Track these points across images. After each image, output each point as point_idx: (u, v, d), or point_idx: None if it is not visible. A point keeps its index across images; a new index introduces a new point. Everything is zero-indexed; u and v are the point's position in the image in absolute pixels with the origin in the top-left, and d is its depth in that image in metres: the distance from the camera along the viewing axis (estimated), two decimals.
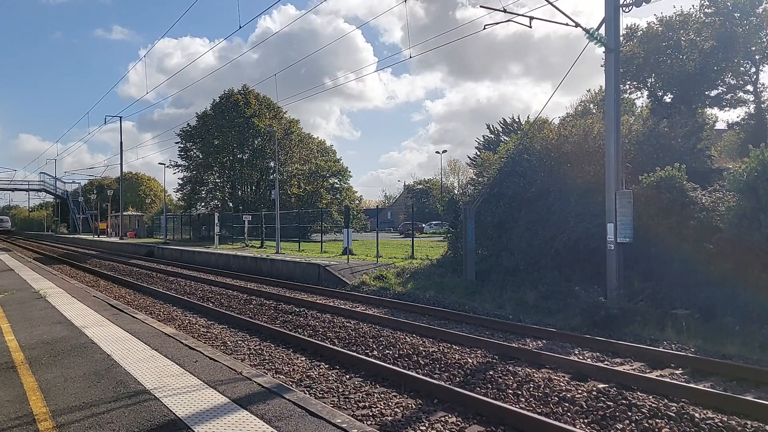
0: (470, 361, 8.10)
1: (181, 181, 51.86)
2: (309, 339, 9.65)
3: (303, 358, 8.52)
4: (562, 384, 6.93)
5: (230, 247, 32.40)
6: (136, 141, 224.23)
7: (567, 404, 6.29)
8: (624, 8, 12.34)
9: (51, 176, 78.00)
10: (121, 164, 51.75)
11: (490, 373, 7.47)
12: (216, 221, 34.18)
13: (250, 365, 8.02)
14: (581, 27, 12.20)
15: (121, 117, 55.39)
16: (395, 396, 6.66)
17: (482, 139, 58.54)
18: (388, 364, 8.02)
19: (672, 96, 23.51)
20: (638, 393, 6.56)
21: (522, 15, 12.39)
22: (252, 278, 20.40)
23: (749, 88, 23.97)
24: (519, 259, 15.21)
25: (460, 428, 5.68)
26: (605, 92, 12.64)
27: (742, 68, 23.16)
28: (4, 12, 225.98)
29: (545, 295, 12.68)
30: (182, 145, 50.65)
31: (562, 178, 15.22)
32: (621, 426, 5.69)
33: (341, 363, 8.11)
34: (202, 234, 43.11)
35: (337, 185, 52.22)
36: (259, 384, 5.80)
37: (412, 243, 23.36)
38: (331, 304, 13.85)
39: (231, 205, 48.68)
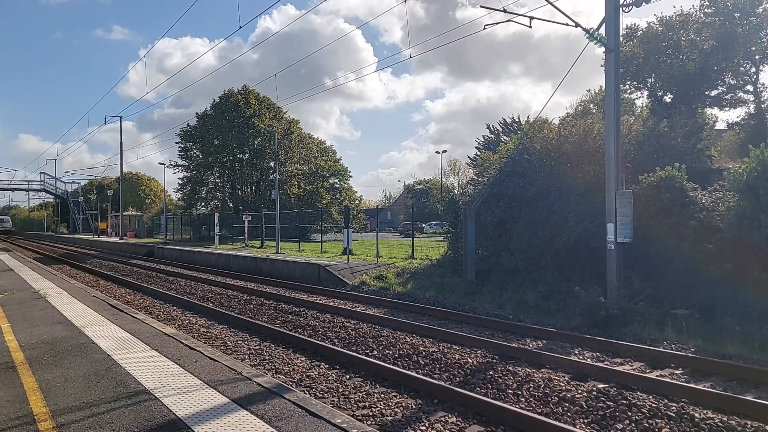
0: (470, 361, 8.10)
1: (181, 181, 51.94)
2: (309, 339, 9.65)
3: (303, 358, 8.52)
4: (562, 384, 6.93)
5: (230, 247, 32.41)
6: (136, 141, 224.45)
7: (567, 404, 6.29)
8: (624, 8, 12.35)
9: (51, 176, 78.11)
10: (121, 164, 51.83)
11: (490, 373, 7.47)
12: (216, 221, 34.18)
13: (250, 365, 8.02)
14: (581, 27, 12.20)
15: (121, 117, 55.50)
16: (395, 396, 6.66)
17: (482, 139, 58.58)
18: (388, 364, 8.02)
19: (672, 96, 23.51)
20: (638, 393, 6.56)
21: (522, 15, 12.40)
22: (252, 278, 20.40)
23: (749, 88, 23.98)
24: (519, 259, 15.21)
25: (460, 428, 5.68)
26: (605, 92, 12.64)
27: (742, 68, 23.17)
28: (4, 12, 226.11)
29: (545, 295, 12.68)
30: (182, 145, 50.69)
31: (562, 178, 15.23)
32: (621, 426, 5.69)
33: (341, 363, 8.11)
34: (202, 234, 43.11)
35: (337, 185, 52.23)
36: (259, 384, 5.80)
37: (412, 243, 23.36)
38: (331, 304, 13.85)
39: (231, 205, 48.69)
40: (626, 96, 23.31)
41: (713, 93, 23.84)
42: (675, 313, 10.27)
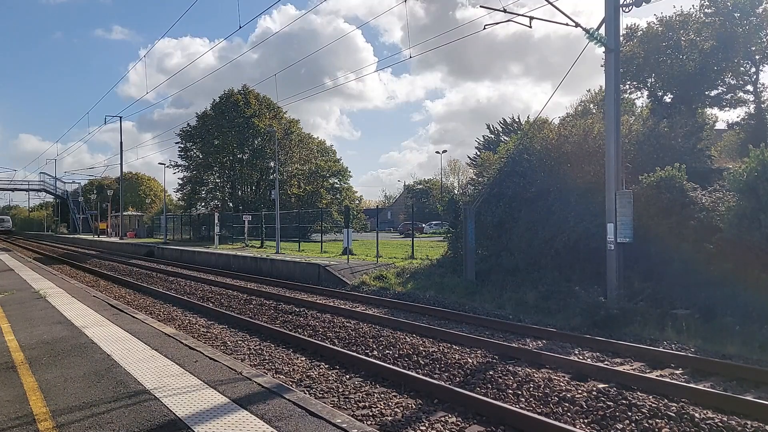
0: (470, 361, 8.10)
1: (181, 181, 51.95)
2: (309, 339, 9.65)
3: (303, 358, 8.52)
4: (562, 384, 6.93)
5: (230, 247, 32.41)
6: (136, 141, 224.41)
7: (567, 404, 6.29)
8: (624, 8, 12.35)
9: (51, 176, 78.11)
10: (121, 164, 51.84)
11: (490, 373, 7.47)
12: (216, 221, 34.18)
13: (250, 365, 8.02)
14: (581, 27, 12.20)
15: (121, 117, 55.51)
16: (395, 396, 6.66)
17: (482, 139, 58.56)
18: (388, 364, 8.02)
19: (672, 96, 23.51)
20: (638, 393, 6.56)
21: (522, 15, 12.40)
22: (252, 278, 20.40)
23: (749, 88, 23.98)
24: (519, 259, 15.21)
25: (460, 428, 5.68)
26: (605, 92, 12.64)
27: (742, 68, 23.16)
28: (4, 12, 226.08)
29: (545, 295, 12.68)
30: (182, 145, 50.70)
31: (562, 178, 15.23)
32: (621, 426, 5.69)
33: (341, 363, 8.11)
34: (202, 234, 43.11)
35: (337, 185, 52.23)
36: (259, 384, 5.80)
37: (412, 243, 23.36)
38: (331, 304, 13.85)
39: (231, 205, 48.70)
40: (626, 96, 23.31)
41: (713, 93, 23.85)
42: (675, 313, 10.27)
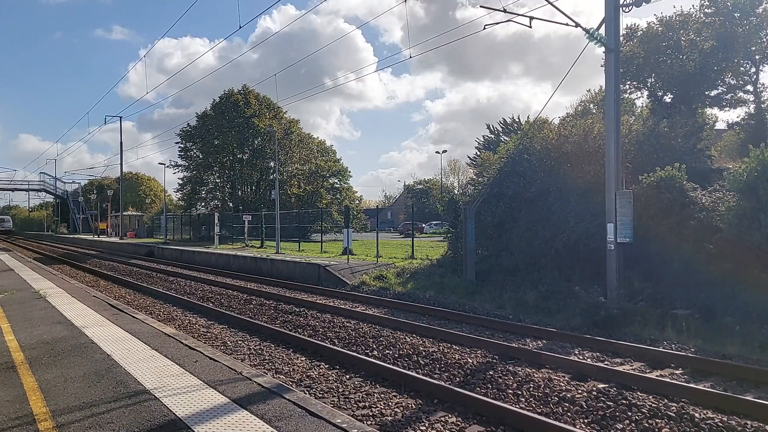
0: (470, 361, 8.10)
1: (181, 181, 51.96)
2: (309, 339, 9.65)
3: (303, 358, 8.52)
4: (562, 384, 6.94)
5: (230, 247, 32.41)
6: (136, 141, 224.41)
7: (567, 404, 6.29)
8: (624, 8, 12.35)
9: (51, 176, 78.10)
10: (121, 164, 51.82)
11: (490, 373, 7.47)
12: (216, 221, 34.18)
13: (250, 365, 8.02)
14: (581, 27, 12.21)
15: (121, 117, 55.48)
16: (395, 396, 6.66)
17: (482, 139, 58.56)
18: (388, 364, 8.02)
19: (672, 96, 23.51)
20: (638, 393, 6.56)
21: (522, 15, 12.40)
22: (252, 278, 20.40)
23: (749, 88, 23.98)
24: (519, 259, 15.21)
25: (460, 428, 5.68)
26: (605, 92, 12.64)
27: (742, 68, 23.16)
28: (4, 12, 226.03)
29: (545, 295, 12.68)
30: (182, 145, 50.71)
31: (562, 178, 15.23)
32: (621, 426, 5.69)
33: (341, 363, 8.11)
34: (202, 234, 43.11)
35: (337, 185, 52.24)
36: (259, 384, 5.80)
37: (412, 243, 23.36)
38: (331, 304, 13.85)
39: (231, 205, 48.70)
40: (626, 96, 23.31)
41: (713, 93, 23.84)
42: (675, 313, 10.27)
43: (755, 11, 21.26)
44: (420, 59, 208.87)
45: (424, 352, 8.64)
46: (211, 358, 6.91)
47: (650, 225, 12.34)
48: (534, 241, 14.82)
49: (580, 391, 6.65)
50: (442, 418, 5.90)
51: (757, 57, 22.64)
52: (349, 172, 53.06)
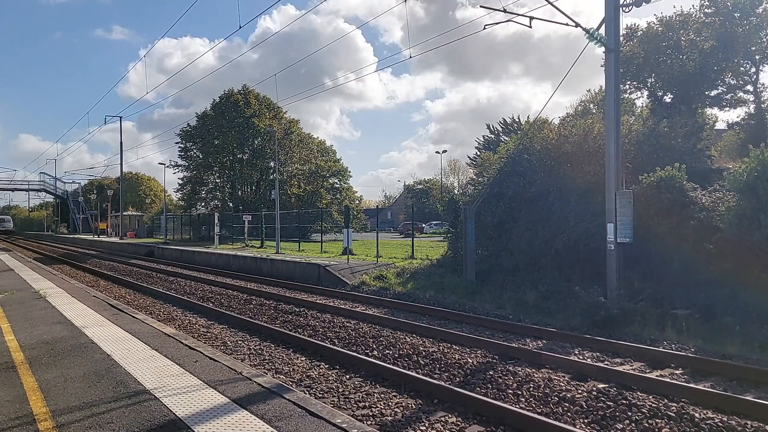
0: (470, 361, 8.10)
1: (181, 181, 51.96)
2: (309, 339, 9.65)
3: (303, 358, 8.52)
4: (562, 384, 6.93)
5: (230, 247, 32.41)
6: (136, 141, 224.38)
7: (567, 404, 6.29)
8: (624, 8, 12.35)
9: (51, 176, 78.10)
10: (121, 164, 51.83)
11: (490, 373, 7.47)
12: (216, 221, 34.18)
13: (250, 365, 8.02)
14: (581, 27, 12.21)
15: (121, 117, 55.50)
16: (395, 396, 6.66)
17: (482, 139, 58.58)
18: (388, 364, 8.02)
19: (672, 96, 23.52)
20: (638, 393, 6.56)
21: (522, 15, 12.40)
22: (252, 278, 20.40)
23: (749, 88, 23.99)
24: (519, 259, 15.21)
25: (460, 428, 5.68)
26: (605, 92, 12.64)
27: (742, 68, 23.17)
28: (4, 12, 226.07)
29: (545, 295, 12.68)
30: (182, 145, 50.71)
31: (562, 178, 15.23)
32: (621, 426, 5.69)
33: (341, 363, 8.11)
34: (202, 234, 43.10)
35: (337, 185, 52.25)
36: (259, 384, 5.80)
37: (412, 243, 23.36)
38: (331, 304, 13.85)
39: (231, 205, 48.70)
40: (626, 96, 23.32)
41: (713, 93, 23.86)
42: (675, 313, 10.27)
43: (755, 11, 21.27)
44: (420, 59, 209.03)
45: (424, 352, 8.64)
46: (211, 358, 6.91)
47: (650, 225, 12.34)
48: (534, 241, 14.82)
49: (580, 391, 6.65)
50: (442, 418, 5.90)
51: (757, 57, 22.64)
52: (349, 172, 53.16)
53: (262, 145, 47.54)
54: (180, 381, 5.94)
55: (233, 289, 17.28)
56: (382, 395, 6.68)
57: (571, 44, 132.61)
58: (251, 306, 13.86)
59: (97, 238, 53.47)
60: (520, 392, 6.75)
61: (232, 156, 48.20)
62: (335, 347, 8.96)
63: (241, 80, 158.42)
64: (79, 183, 77.90)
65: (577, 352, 8.77)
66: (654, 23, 23.61)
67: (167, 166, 50.91)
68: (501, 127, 57.31)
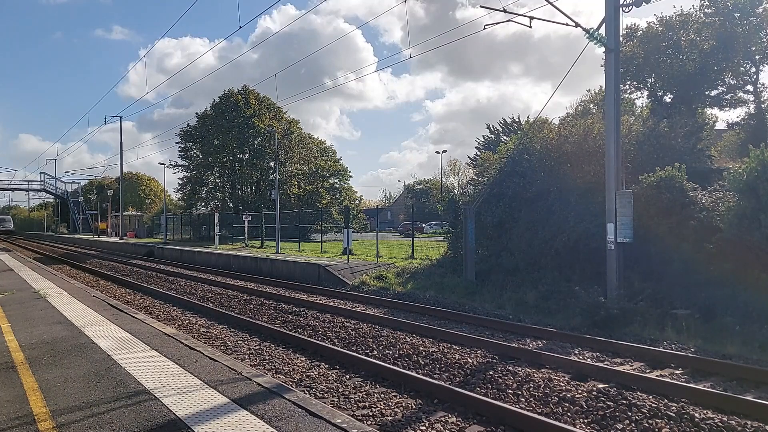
0: (470, 361, 8.10)
1: (181, 181, 51.95)
2: (309, 339, 9.65)
3: (303, 358, 8.52)
4: (562, 384, 6.93)
5: (230, 247, 32.41)
6: (136, 141, 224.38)
7: (567, 404, 6.29)
8: (624, 8, 12.35)
9: (51, 176, 78.11)
10: (121, 164, 51.83)
11: (490, 373, 7.47)
12: (216, 221, 34.18)
13: (250, 365, 8.02)
14: (581, 27, 12.21)
15: (121, 117, 55.49)
16: (395, 396, 6.66)
17: (482, 139, 58.57)
18: (388, 364, 8.02)
19: (672, 96, 23.52)
20: (638, 393, 6.56)
21: (522, 15, 12.40)
22: (252, 278, 20.40)
23: (749, 88, 23.99)
24: (519, 259, 15.21)
25: (460, 428, 5.68)
26: (605, 92, 12.64)
27: (742, 68, 23.17)
28: (4, 12, 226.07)
29: (545, 295, 12.68)
30: (182, 145, 50.70)
31: (562, 178, 15.23)
32: (621, 426, 5.69)
33: (341, 363, 8.11)
34: (202, 234, 43.10)
35: (337, 185, 52.25)
36: (259, 384, 5.80)
37: (412, 243, 23.36)
38: (331, 304, 13.85)
39: (231, 205, 48.70)
40: (626, 96, 23.32)
41: (713, 93, 23.85)
42: (675, 313, 10.27)
43: (755, 11, 21.27)
44: (420, 59, 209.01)
45: (424, 352, 8.63)
46: (211, 358, 6.91)
47: (650, 225, 12.34)
48: (534, 241, 14.82)
49: (580, 391, 6.65)
50: (442, 418, 5.90)
51: (757, 57, 22.64)
52: (349, 172, 53.17)
53: (262, 145, 47.54)
54: (180, 381, 5.94)
55: (233, 289, 17.28)
56: (382, 395, 6.68)
57: (571, 44, 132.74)
58: (251, 306, 13.86)
59: (97, 238, 53.47)
60: (520, 392, 6.75)
61: (232, 156, 48.20)
62: (335, 347, 8.96)
63: (241, 80, 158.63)
64: (79, 183, 78.05)
65: (577, 352, 8.77)
66: (654, 23, 23.62)
67: (167, 166, 50.97)
68: (501, 127, 57.30)
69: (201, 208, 52.02)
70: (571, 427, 5.49)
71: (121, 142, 51.34)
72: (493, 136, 56.20)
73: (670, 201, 12.29)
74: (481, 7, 12.66)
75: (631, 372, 7.46)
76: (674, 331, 9.60)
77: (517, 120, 54.32)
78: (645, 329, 10.00)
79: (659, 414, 5.88)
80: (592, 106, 26.21)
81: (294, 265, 20.76)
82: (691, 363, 7.91)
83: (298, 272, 20.16)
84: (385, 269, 18.05)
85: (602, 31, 12.26)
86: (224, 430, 4.57)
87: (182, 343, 7.84)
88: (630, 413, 5.94)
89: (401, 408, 6.24)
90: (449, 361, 8.13)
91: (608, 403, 6.24)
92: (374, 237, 29.54)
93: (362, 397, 6.65)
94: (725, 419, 5.71)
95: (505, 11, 12.08)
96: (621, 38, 14.43)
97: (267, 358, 8.60)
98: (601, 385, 6.88)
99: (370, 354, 8.76)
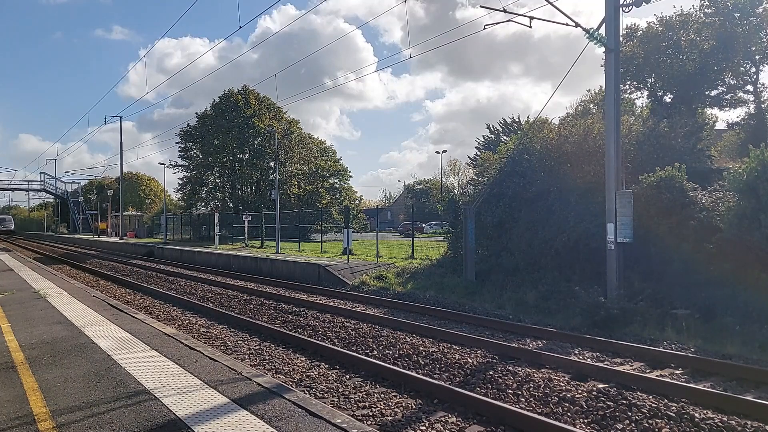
0: (470, 361, 8.10)
1: (181, 181, 51.95)
2: (309, 339, 9.65)
3: (303, 358, 8.52)
4: (562, 384, 6.93)
5: (230, 247, 32.41)
6: (136, 141, 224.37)
7: (567, 404, 6.29)
8: (624, 8, 12.35)
9: (51, 176, 78.13)
10: (121, 164, 51.82)
11: (490, 373, 7.47)
12: (216, 221, 34.18)
13: (250, 365, 8.02)
14: (581, 27, 12.21)
15: (121, 117, 55.47)
16: (395, 396, 6.66)
17: (482, 139, 58.56)
18: (388, 364, 8.02)
19: (672, 96, 23.52)
20: (638, 393, 6.56)
21: (522, 15, 12.40)
22: (252, 278, 20.40)
23: (749, 88, 23.99)
24: (519, 259, 15.21)
25: (460, 428, 5.68)
26: (605, 92, 12.64)
27: (742, 68, 23.17)
28: (4, 12, 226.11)
29: (545, 295, 12.68)
30: (182, 145, 50.70)
31: (562, 178, 15.23)
32: (621, 426, 5.69)
33: (341, 363, 8.11)
34: (202, 234, 43.10)
35: (337, 185, 52.25)
36: (259, 384, 5.80)
37: (412, 243, 23.36)
38: (331, 304, 13.85)
39: (231, 205, 48.70)
40: (626, 96, 23.32)
41: (713, 93, 23.86)
42: (675, 313, 10.27)
43: (755, 11, 21.27)
44: (420, 59, 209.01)
45: (424, 352, 8.63)
46: (211, 358, 6.91)
47: (650, 225, 12.34)
48: (534, 241, 14.82)
49: (580, 391, 6.65)
50: (442, 418, 5.90)
51: (757, 57, 22.64)
52: (349, 172, 53.18)
53: (262, 145, 47.53)
54: (180, 381, 5.94)
55: (233, 289, 17.28)
56: (382, 395, 6.68)
57: (571, 44, 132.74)
58: (251, 306, 13.86)
59: (97, 238, 53.47)
60: (520, 392, 6.75)
61: (232, 156, 48.20)
62: (335, 347, 8.96)
63: (241, 80, 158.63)
64: (79, 183, 78.08)
65: (577, 352, 8.77)
66: (654, 23, 23.62)
67: (167, 166, 50.98)
68: (501, 127, 57.30)
69: (201, 208, 52.01)
70: (571, 427, 5.49)
71: (121, 142, 51.41)
72: (493, 136, 56.20)
73: (670, 201, 12.29)
74: (481, 7, 12.66)
75: (631, 372, 7.46)
76: (674, 331, 9.61)
77: (517, 120, 54.33)
78: (645, 329, 10.00)
79: (659, 414, 5.88)
80: (592, 106, 26.20)
81: (294, 265, 20.76)
82: (691, 363, 7.91)
83: (298, 272, 20.16)
84: (385, 269, 18.05)
85: (602, 31, 12.26)
86: (224, 430, 4.57)
87: (182, 343, 7.84)
88: (630, 413, 5.94)
89: (401, 408, 6.24)
90: (449, 361, 8.13)
91: (608, 403, 6.24)
92: (374, 237, 29.54)
93: (362, 397, 6.65)
94: (725, 419, 5.71)
95: (505, 11, 12.08)
96: (621, 38, 14.44)
97: (267, 358, 8.60)
98: (601, 385, 6.88)
99: (370, 354, 8.76)
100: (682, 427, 5.62)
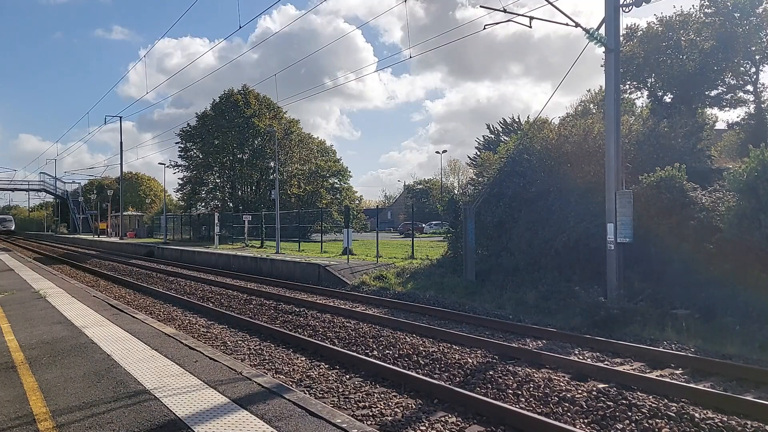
0: (470, 361, 8.10)
1: (181, 181, 51.94)
2: (309, 339, 9.65)
3: (303, 358, 8.52)
4: (562, 384, 6.93)
5: (230, 247, 32.41)
6: (136, 141, 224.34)
7: (567, 404, 6.29)
8: (624, 8, 12.35)
9: (51, 176, 78.13)
10: (121, 164, 51.82)
11: (490, 373, 7.47)
12: (216, 221, 34.18)
13: (250, 365, 8.02)
14: (581, 27, 12.21)
15: (121, 117, 55.47)
16: (395, 396, 6.66)
17: (482, 139, 58.57)
18: (388, 364, 8.02)
19: (672, 96, 23.52)
20: (638, 393, 6.56)
21: (522, 15, 12.40)
22: (252, 278, 20.40)
23: (749, 88, 23.99)
24: (519, 259, 15.21)
25: (460, 428, 5.68)
26: (605, 92, 12.64)
27: (742, 68, 23.17)
28: (4, 12, 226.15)
29: (545, 295, 12.68)
30: (182, 145, 50.70)
31: (562, 178, 15.23)
32: (621, 426, 5.69)
33: (341, 363, 8.11)
34: (202, 234, 43.10)
35: (337, 185, 52.25)
36: (259, 384, 5.80)
37: (412, 243, 23.36)
38: (331, 304, 13.85)
39: (231, 205, 48.69)
40: (626, 96, 23.32)
41: (713, 93, 23.86)
42: (675, 313, 10.27)
43: (755, 11, 21.27)
44: (420, 59, 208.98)
45: (424, 352, 8.64)
46: (211, 358, 6.92)
47: (650, 225, 12.34)
48: (534, 241, 14.82)
49: (580, 391, 6.65)
50: (442, 418, 5.90)
51: (757, 57, 22.64)
52: (349, 172, 53.18)
53: (262, 145, 47.53)
54: (180, 381, 5.94)
55: (233, 289, 17.28)
56: (382, 395, 6.68)
57: (571, 44, 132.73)
58: (251, 306, 13.86)
59: (97, 238, 53.47)
60: (520, 392, 6.75)
61: (232, 156, 48.19)
62: (335, 347, 8.96)
63: (241, 80, 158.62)
64: (79, 183, 78.08)
65: (577, 352, 8.77)
66: (654, 23, 23.62)
67: (167, 166, 50.97)
68: (501, 127, 57.30)
69: (201, 208, 52.01)
70: (571, 427, 5.49)
71: (121, 142, 51.41)
72: (493, 136, 56.20)
73: (670, 201, 12.29)
74: (481, 7, 12.66)
75: (631, 372, 7.46)
76: (674, 331, 9.61)
77: (517, 120, 54.32)
78: (645, 329, 10.00)
79: (659, 414, 5.88)
80: (592, 106, 26.20)
81: (294, 265, 20.76)
82: (691, 363, 7.91)
83: (298, 272, 20.16)
84: (385, 269, 18.05)
85: (602, 31, 12.26)
86: (224, 430, 4.57)
87: (182, 343, 7.84)
88: (630, 413, 5.94)
89: (401, 408, 6.24)
90: (449, 361, 8.13)
91: (608, 403, 6.24)
92: (374, 237, 29.54)
93: (362, 397, 6.65)
94: (725, 419, 5.71)
95: (505, 11, 12.08)
96: (621, 38, 14.43)
97: (267, 358, 8.60)
98: (601, 385, 6.88)
99: (370, 354, 8.76)
100: (682, 427, 5.62)
